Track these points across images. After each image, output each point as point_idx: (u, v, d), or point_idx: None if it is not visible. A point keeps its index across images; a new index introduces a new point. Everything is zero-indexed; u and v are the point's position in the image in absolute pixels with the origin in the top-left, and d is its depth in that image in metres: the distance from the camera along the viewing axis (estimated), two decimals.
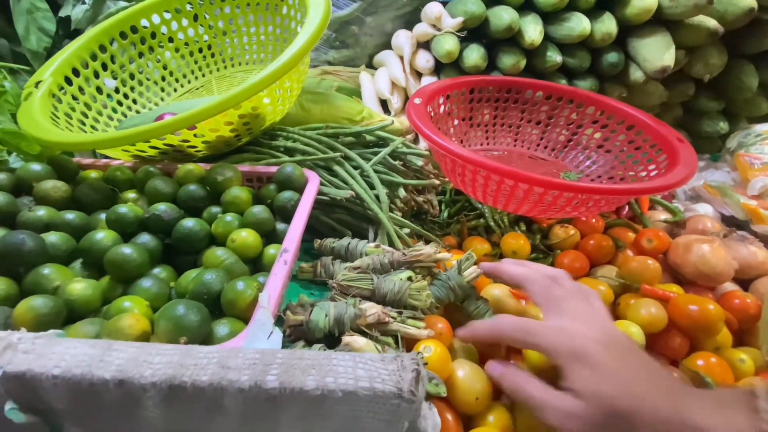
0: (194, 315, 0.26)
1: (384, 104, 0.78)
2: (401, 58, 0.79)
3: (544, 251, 0.53)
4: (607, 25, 0.64)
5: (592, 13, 0.65)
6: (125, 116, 0.58)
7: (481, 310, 0.38)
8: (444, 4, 0.76)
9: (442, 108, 0.64)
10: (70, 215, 0.39)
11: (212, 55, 0.65)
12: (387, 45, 0.85)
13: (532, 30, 0.65)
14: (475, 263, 0.42)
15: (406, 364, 0.20)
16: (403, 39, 0.77)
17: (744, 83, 0.68)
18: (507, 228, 0.56)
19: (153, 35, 0.60)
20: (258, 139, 0.53)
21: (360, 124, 0.62)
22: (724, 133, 0.73)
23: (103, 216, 0.41)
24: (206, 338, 0.27)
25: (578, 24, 0.64)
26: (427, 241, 0.53)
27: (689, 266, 0.48)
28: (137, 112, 0.60)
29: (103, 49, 0.57)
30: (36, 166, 0.42)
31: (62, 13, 0.59)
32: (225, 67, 0.66)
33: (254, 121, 0.48)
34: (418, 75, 0.79)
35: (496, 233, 0.56)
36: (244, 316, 0.29)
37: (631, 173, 0.58)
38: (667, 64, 0.62)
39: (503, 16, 0.65)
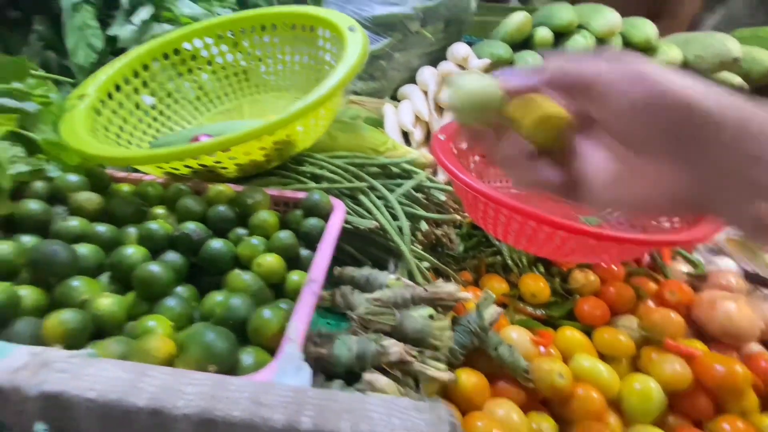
0: (223, 342, 0.26)
1: (405, 135, 0.80)
2: (425, 92, 0.81)
3: (563, 295, 0.52)
4: None
5: None
6: (158, 131, 0.60)
7: (517, 359, 0.38)
8: (470, 44, 0.78)
9: (464, 144, 0.65)
10: (102, 228, 0.40)
11: (246, 80, 0.68)
12: (411, 79, 0.87)
13: None
14: (494, 302, 0.42)
15: (443, 415, 0.20)
16: (428, 75, 0.80)
17: None
18: (525, 268, 0.56)
19: (193, 57, 0.63)
20: (286, 163, 0.54)
21: (384, 154, 0.63)
22: None
23: (131, 230, 0.41)
24: (233, 367, 0.26)
25: None
26: (446, 277, 0.53)
27: (714, 323, 0.47)
28: (170, 128, 0.61)
29: (145, 67, 0.59)
30: (73, 177, 0.43)
31: (111, 32, 0.62)
32: (258, 92, 0.68)
33: (286, 147, 0.49)
34: (440, 110, 0.81)
35: (514, 272, 0.55)
36: (268, 346, 0.29)
37: (653, 222, 0.57)
38: None
39: (529, 60, 0.67)
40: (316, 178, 0.52)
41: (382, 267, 0.50)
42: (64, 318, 0.29)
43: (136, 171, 0.51)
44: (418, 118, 0.79)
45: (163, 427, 0.20)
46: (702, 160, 0.21)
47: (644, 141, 0.22)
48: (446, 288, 0.40)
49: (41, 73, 0.54)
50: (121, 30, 0.62)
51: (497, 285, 0.52)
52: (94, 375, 0.21)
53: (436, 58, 0.85)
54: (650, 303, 0.50)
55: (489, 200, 0.47)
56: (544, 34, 0.67)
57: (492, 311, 0.40)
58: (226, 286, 0.37)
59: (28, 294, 0.32)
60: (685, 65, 0.65)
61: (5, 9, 0.65)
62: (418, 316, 0.38)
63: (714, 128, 0.20)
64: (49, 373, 0.21)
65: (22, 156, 0.42)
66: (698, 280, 0.58)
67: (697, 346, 0.45)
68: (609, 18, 0.66)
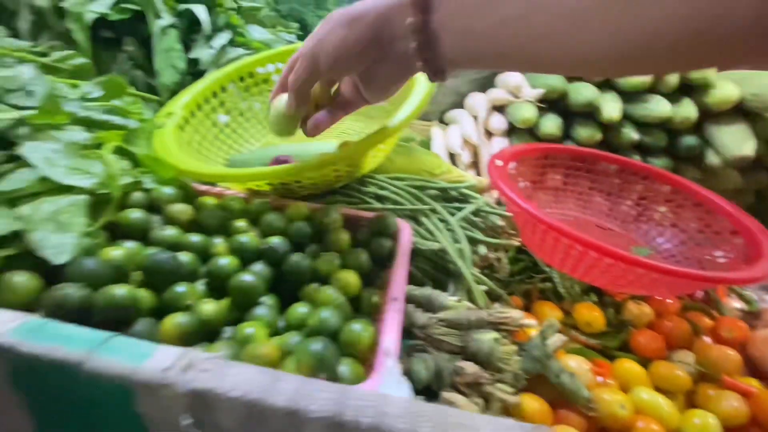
0: (330, 353, 0.28)
1: (450, 157, 0.83)
2: (475, 117, 0.84)
3: (617, 326, 0.53)
4: (687, 110, 0.66)
5: (673, 97, 0.68)
6: (231, 147, 0.65)
7: (579, 388, 0.39)
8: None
9: (514, 171, 0.68)
10: (195, 237, 0.43)
11: None
12: (458, 104, 0.90)
13: (611, 108, 0.68)
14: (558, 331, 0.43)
15: None
16: (478, 101, 0.83)
17: None
18: (578, 296, 0.57)
19: (265, 80, 0.68)
20: (350, 183, 0.57)
21: (439, 177, 0.66)
22: None
23: (217, 240, 0.45)
24: (336, 377, 0.29)
25: (657, 106, 0.67)
26: (498, 300, 0.55)
27: None
28: (240, 145, 0.66)
29: (223, 89, 0.64)
30: (168, 190, 0.47)
31: (192, 55, 0.68)
32: None
33: (355, 169, 0.52)
34: (488, 135, 0.83)
35: (566, 300, 0.57)
36: (360, 359, 0.32)
37: (707, 256, 0.58)
38: (747, 154, 0.63)
39: (583, 93, 0.69)
40: (380, 199, 0.55)
41: (437, 287, 0.52)
42: (179, 320, 0.33)
43: (214, 184, 0.56)
44: (466, 141, 0.82)
45: (296, 427, 0.23)
46: (376, 53, 0.34)
47: (343, 68, 0.36)
48: (511, 313, 0.41)
49: (133, 91, 0.60)
50: (202, 53, 0.68)
51: (550, 312, 0.54)
52: (235, 375, 0.24)
53: (485, 84, 0.88)
54: (705, 339, 0.51)
55: (550, 228, 0.49)
56: None
57: (555, 339, 0.42)
58: (307, 297, 0.40)
59: (144, 296, 0.35)
60: (741, 102, 0.65)
61: (99, 29, 0.71)
62: (485, 339, 0.39)
63: (368, 30, 0.32)
64: (195, 372, 0.24)
65: (127, 169, 0.46)
66: (751, 316, 0.57)
67: (753, 384, 0.45)
68: None
